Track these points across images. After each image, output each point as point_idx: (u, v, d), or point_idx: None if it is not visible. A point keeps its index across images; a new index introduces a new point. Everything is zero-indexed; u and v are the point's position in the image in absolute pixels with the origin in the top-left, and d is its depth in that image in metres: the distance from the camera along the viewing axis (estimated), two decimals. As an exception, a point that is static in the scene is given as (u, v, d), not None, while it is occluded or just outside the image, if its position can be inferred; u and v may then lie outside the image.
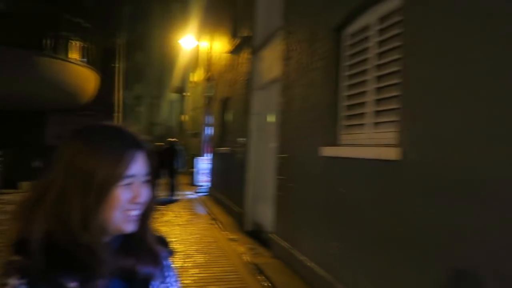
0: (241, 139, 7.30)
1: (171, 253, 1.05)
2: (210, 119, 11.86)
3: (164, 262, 1.01)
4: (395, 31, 2.87)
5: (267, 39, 6.31)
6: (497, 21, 1.96)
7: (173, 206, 9.05)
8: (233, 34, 8.56)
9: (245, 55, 7.47)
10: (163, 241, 1.03)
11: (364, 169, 3.12)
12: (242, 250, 5.44)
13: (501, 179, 1.89)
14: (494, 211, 1.92)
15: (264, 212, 5.99)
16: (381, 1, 3.07)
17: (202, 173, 12.16)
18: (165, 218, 7.54)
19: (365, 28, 3.35)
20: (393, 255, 2.69)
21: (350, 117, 3.58)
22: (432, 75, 2.39)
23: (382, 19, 3.09)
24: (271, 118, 6.02)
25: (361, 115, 3.35)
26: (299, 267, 4.24)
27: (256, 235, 6.15)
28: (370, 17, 3.27)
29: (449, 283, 2.17)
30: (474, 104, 2.07)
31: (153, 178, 0.94)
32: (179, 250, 5.31)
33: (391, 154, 2.70)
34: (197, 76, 15.63)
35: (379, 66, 3.10)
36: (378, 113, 3.11)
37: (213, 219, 7.66)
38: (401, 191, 2.64)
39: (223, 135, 9.59)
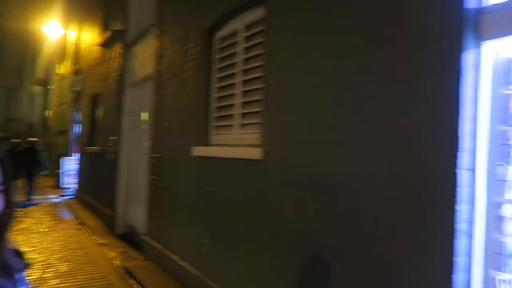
0: (113, 137, 6.93)
1: (26, 265, 0.98)
2: (79, 115, 10.95)
3: (17, 276, 0.93)
4: (258, 39, 3.07)
5: (140, 34, 6.10)
6: (332, 42, 2.27)
7: (33, 212, 8.12)
8: (104, 26, 8.05)
9: (117, 50, 7.10)
10: (17, 253, 0.96)
11: (232, 168, 3.27)
12: (112, 254, 5.19)
13: (341, 176, 2.19)
14: (337, 203, 2.22)
15: (137, 214, 5.80)
16: (248, 10, 3.26)
17: (69, 175, 11.21)
18: (22, 226, 6.72)
19: (233, 34, 3.51)
20: (259, 248, 2.89)
21: (220, 118, 3.71)
22: (286, 83, 2.65)
23: (248, 26, 3.28)
24: (145, 117, 5.85)
25: (230, 116, 3.50)
26: (172, 267, 4.23)
27: (129, 238, 5.92)
28: (238, 24, 3.43)
29: (306, 268, 2.43)
30: (318, 110, 2.36)
31: (7, 187, 0.85)
32: (38, 260, 4.81)
33: (255, 154, 2.89)
34: (64, 68, 14.24)
35: (245, 71, 3.28)
36: (244, 115, 3.29)
37: (81, 223, 7.11)
38: (264, 188, 2.85)
39: (92, 134, 8.95)
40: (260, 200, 2.89)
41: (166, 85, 4.69)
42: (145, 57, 5.80)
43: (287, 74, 2.64)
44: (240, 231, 3.13)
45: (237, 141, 3.36)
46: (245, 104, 3.29)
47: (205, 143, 3.84)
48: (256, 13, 3.13)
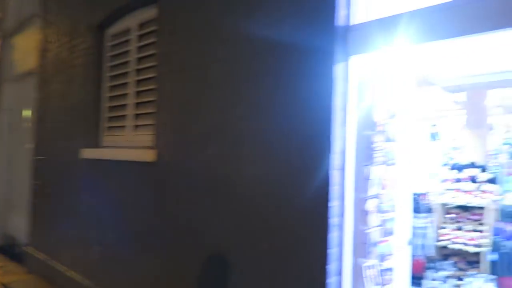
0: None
1: None
2: None
3: None
4: (152, 39, 3.01)
5: (21, 24, 5.50)
6: (222, 47, 2.34)
7: None
8: (-23, 11, 7.08)
9: (-7, 39, 6.31)
10: None
11: (125, 171, 3.16)
12: (-14, 270, 4.61)
13: (231, 177, 2.27)
14: (229, 203, 2.29)
15: (18, 223, 5.23)
16: (141, 8, 3.17)
17: None
18: None
19: (126, 31, 3.38)
20: (156, 251, 2.83)
21: (112, 118, 3.55)
22: (178, 86, 2.66)
23: (142, 25, 3.19)
24: (27, 115, 5.31)
25: (123, 117, 3.37)
26: (59, 279, 3.92)
27: (7, 250, 5.31)
28: (131, 21, 3.32)
29: (203, 267, 2.46)
30: (209, 113, 2.42)
31: None
32: None
33: (148, 156, 2.84)
34: None
35: (138, 71, 3.19)
36: (138, 116, 3.20)
37: None
38: (159, 191, 2.81)
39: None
40: (155, 203, 2.84)
41: (52, 81, 4.32)
42: (26, 49, 5.26)
43: (179, 76, 2.65)
44: (135, 235, 3.03)
45: (130, 143, 3.25)
46: (138, 104, 3.20)
47: (96, 145, 3.64)
48: (150, 12, 3.06)
